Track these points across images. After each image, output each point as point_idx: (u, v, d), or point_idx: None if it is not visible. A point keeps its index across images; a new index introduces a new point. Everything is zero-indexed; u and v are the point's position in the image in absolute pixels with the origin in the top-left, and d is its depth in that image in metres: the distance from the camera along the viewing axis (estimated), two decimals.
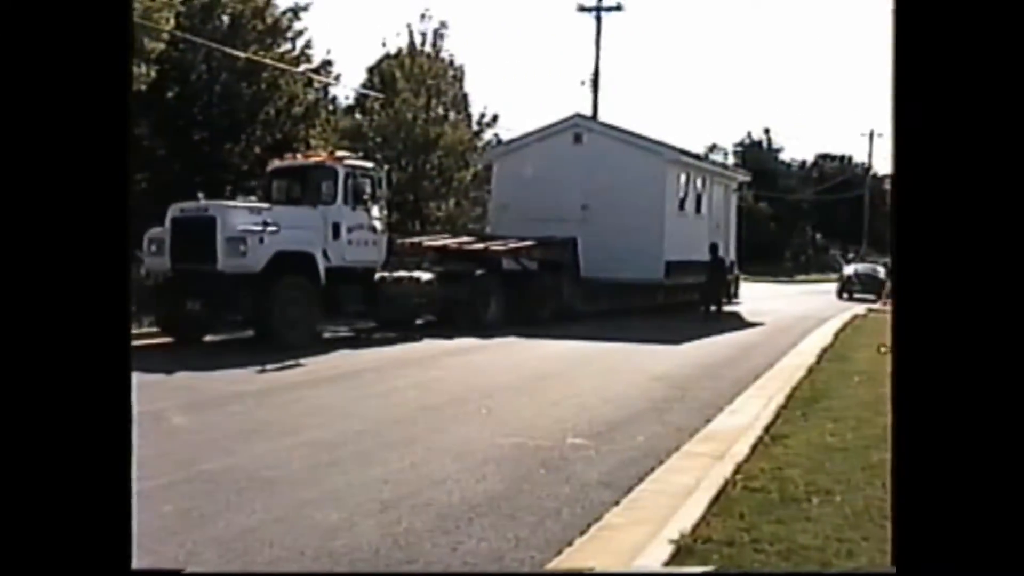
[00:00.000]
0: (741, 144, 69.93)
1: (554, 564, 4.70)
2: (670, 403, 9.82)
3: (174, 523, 5.16)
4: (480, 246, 19.31)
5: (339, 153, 17.45)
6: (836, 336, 17.01)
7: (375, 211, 16.29)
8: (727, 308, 23.18)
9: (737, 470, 6.30)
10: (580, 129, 22.96)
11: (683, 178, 23.35)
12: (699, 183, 24.25)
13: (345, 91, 29.65)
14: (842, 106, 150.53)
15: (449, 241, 19.90)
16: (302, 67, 23.81)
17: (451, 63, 27.76)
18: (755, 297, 27.88)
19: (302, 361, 12.22)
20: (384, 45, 27.62)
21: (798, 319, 21.63)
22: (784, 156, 71.70)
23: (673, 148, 23.46)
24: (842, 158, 73.35)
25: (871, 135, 68.24)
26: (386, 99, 26.62)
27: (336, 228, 15.29)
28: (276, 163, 17.51)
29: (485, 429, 8.19)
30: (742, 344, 16.64)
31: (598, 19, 34.01)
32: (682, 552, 4.60)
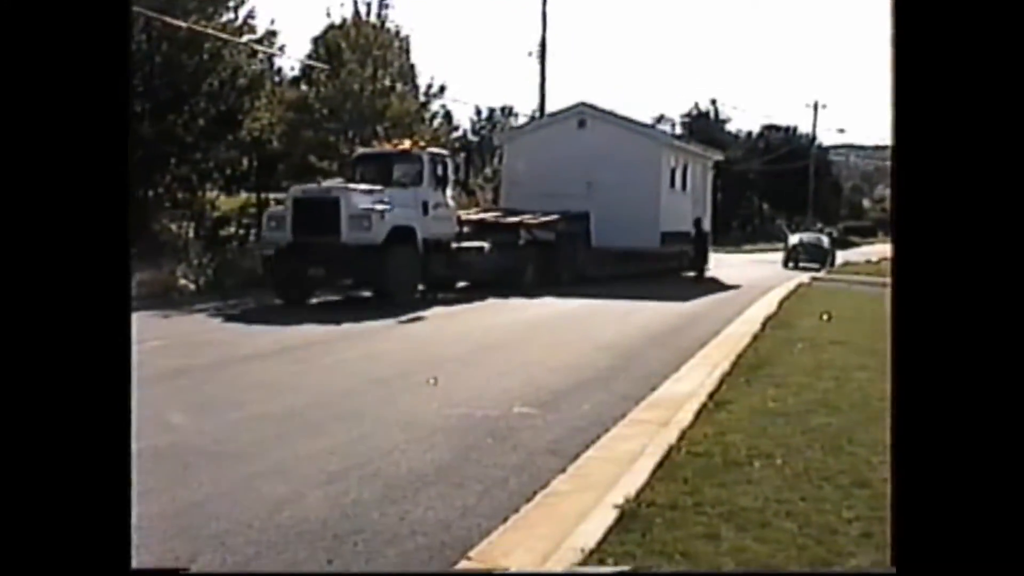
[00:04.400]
0: (688, 115, 70.28)
1: (499, 531, 4.76)
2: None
3: None
4: (514, 219, 21.71)
5: (421, 143, 20.25)
6: (780, 305, 17.26)
7: (449, 191, 19.22)
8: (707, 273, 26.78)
9: (682, 436, 6.40)
10: (584, 116, 25.50)
11: (673, 159, 26.30)
12: (684, 163, 27.20)
13: (290, 62, 29.27)
14: (787, 78, 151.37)
15: (484, 215, 22.50)
16: (245, 37, 23.41)
17: (397, 33, 27.51)
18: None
19: (422, 314, 15.55)
20: (328, 15, 27.22)
21: (746, 288, 22.42)
22: (730, 127, 72.19)
23: (665, 133, 29.60)
24: (787, 129, 74.00)
25: (815, 106, 69.09)
26: (332, 70, 26.31)
27: (425, 206, 18.06)
28: (362, 151, 20.84)
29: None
30: (729, 300, 19.51)
31: None
32: (626, 516, 4.67)
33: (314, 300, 17.43)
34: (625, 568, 4.18)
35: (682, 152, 27.69)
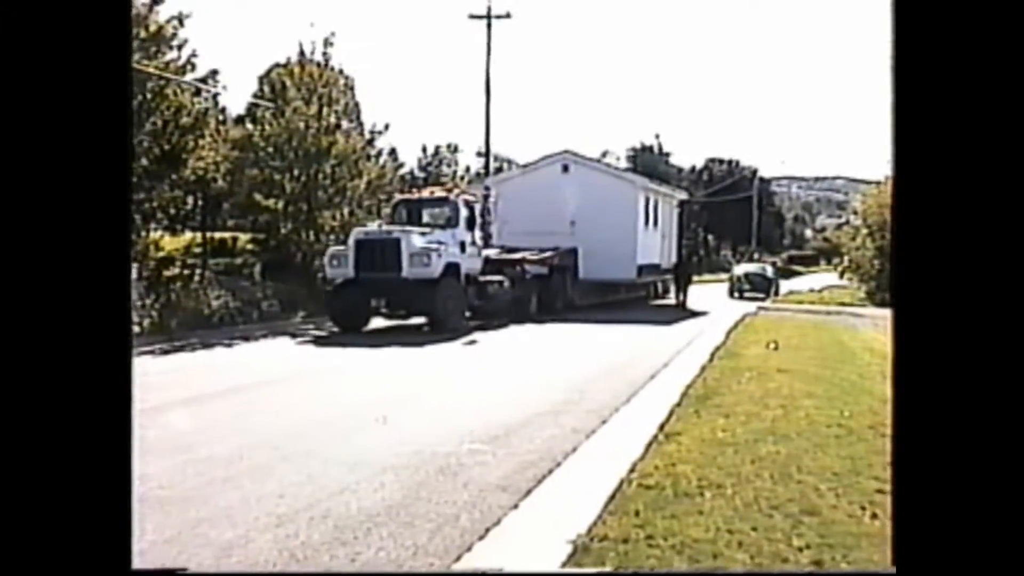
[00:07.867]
0: (633, 149, 71.09)
1: (460, 565, 4.71)
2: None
3: None
4: (518, 256, 24.17)
5: (455, 190, 23.67)
6: (727, 334, 17.45)
7: (477, 231, 21.89)
8: (661, 302, 30.66)
9: (632, 469, 6.41)
10: (568, 161, 28.55)
11: (647, 200, 29.49)
12: (655, 202, 30.38)
13: (235, 100, 29.13)
14: (729, 111, 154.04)
15: (488, 252, 24.09)
16: (188, 76, 23.24)
17: (341, 72, 27.51)
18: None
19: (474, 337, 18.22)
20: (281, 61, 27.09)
21: (710, 314, 24.12)
22: (674, 160, 73.17)
23: (641, 176, 32.66)
24: (730, 161, 75.24)
25: (757, 139, 70.38)
26: (277, 108, 26.22)
27: (462, 245, 20.81)
28: (401, 196, 24.05)
29: None
30: (700, 325, 21.87)
31: (488, 26, 34.21)
32: (579, 551, 4.66)
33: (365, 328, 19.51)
34: (620, 568, 4.16)
35: (654, 193, 30.76)
